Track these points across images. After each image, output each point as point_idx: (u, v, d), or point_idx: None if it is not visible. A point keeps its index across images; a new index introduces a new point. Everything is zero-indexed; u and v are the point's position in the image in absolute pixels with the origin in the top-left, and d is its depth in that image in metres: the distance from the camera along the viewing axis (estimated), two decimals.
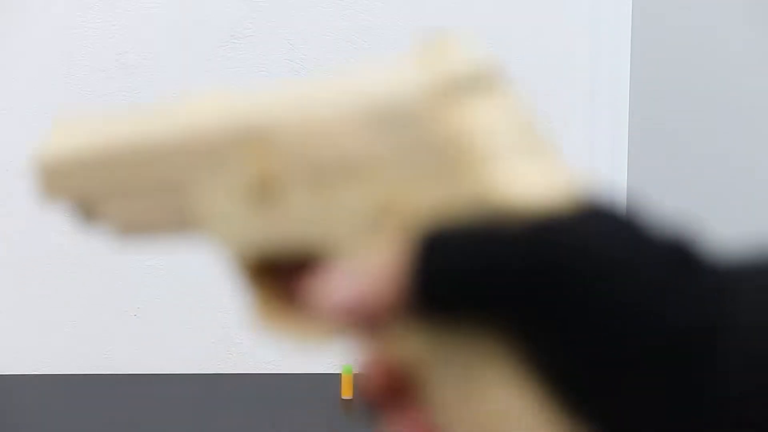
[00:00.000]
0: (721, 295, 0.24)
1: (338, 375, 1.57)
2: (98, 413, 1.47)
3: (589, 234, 0.25)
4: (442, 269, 0.26)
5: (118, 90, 1.72)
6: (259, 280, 0.34)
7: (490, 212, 0.26)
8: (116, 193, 0.35)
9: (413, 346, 0.28)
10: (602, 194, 0.27)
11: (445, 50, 0.27)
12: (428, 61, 0.27)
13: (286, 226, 0.31)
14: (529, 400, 0.26)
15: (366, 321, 0.29)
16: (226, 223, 0.33)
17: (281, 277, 0.35)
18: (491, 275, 0.25)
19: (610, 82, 1.76)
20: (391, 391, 0.29)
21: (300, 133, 0.29)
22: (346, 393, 1.55)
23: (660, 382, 0.23)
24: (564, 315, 0.24)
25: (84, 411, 1.49)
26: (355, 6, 1.74)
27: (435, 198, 0.27)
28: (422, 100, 0.26)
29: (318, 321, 0.31)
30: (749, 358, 0.23)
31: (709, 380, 0.23)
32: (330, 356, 1.76)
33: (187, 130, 0.32)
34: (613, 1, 1.75)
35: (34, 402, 1.53)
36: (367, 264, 0.29)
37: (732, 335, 0.23)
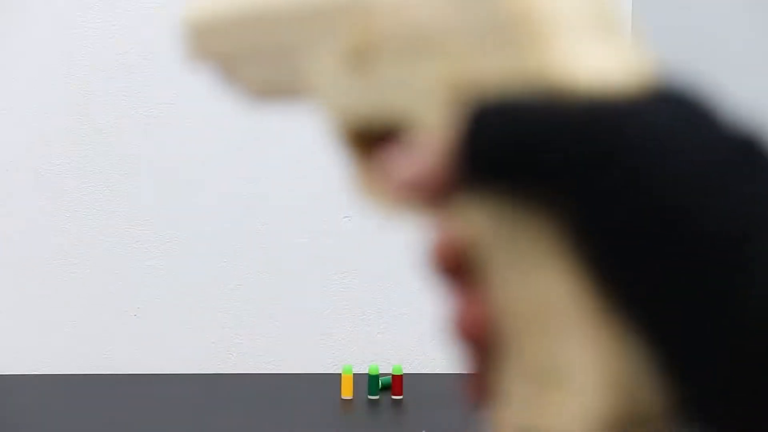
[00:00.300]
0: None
1: (338, 375, 1.57)
2: (98, 413, 1.47)
3: (648, 118, 0.24)
4: (490, 139, 0.26)
5: (118, 90, 1.72)
6: (357, 149, 0.34)
7: (549, 88, 0.25)
8: (247, 55, 0.35)
9: (475, 223, 0.28)
10: (676, 81, 0.26)
11: None
12: None
13: (376, 96, 0.31)
14: (572, 286, 0.25)
15: (426, 195, 0.29)
16: (328, 89, 0.33)
17: (377, 146, 0.35)
18: (540, 147, 0.25)
19: None
20: (454, 266, 0.29)
21: (392, 3, 0.29)
22: (346, 393, 1.55)
23: (691, 279, 0.23)
24: (608, 198, 0.24)
25: (84, 411, 1.49)
26: None
27: (499, 72, 0.27)
28: None
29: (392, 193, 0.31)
30: None
31: (734, 285, 0.23)
32: (330, 356, 1.76)
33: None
34: (613, 1, 1.75)
35: (34, 402, 1.52)
36: (427, 138, 0.29)
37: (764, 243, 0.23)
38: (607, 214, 0.24)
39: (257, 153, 1.74)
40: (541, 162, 0.25)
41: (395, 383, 1.55)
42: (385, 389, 1.59)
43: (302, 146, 1.74)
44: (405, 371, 1.76)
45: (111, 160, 1.72)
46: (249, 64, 0.36)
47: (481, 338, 0.29)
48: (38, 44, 1.71)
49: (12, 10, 1.71)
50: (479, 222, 0.28)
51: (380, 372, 1.75)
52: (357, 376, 1.68)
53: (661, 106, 0.25)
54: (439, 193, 0.29)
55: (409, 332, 1.77)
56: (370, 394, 1.55)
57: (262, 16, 0.34)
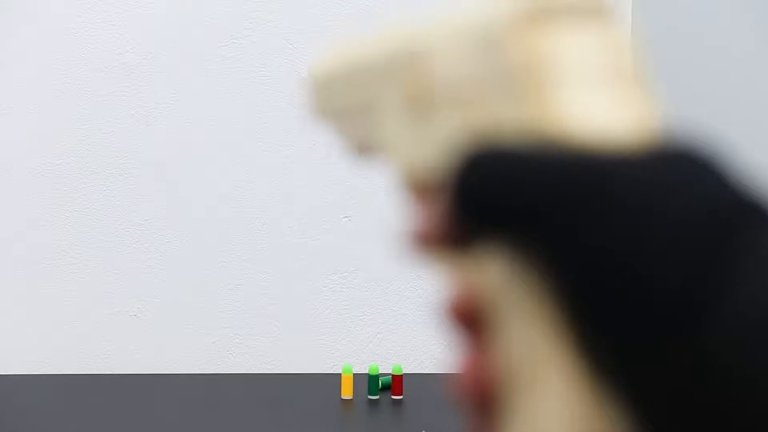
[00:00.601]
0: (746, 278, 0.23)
1: (338, 375, 1.57)
2: (98, 413, 1.47)
3: (631, 173, 0.24)
4: (470, 188, 0.26)
5: (118, 90, 1.72)
6: (419, 200, 0.35)
7: (542, 138, 0.26)
8: (345, 111, 0.36)
9: (487, 276, 0.28)
10: (683, 136, 0.26)
11: None
12: None
13: (424, 147, 0.32)
14: (554, 342, 0.26)
15: (434, 247, 0.29)
16: (392, 142, 0.34)
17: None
18: (513, 196, 0.25)
19: None
20: (468, 319, 0.30)
21: (433, 57, 0.30)
22: (346, 393, 1.55)
23: (645, 341, 0.23)
24: (575, 253, 0.24)
25: (84, 411, 1.49)
26: (356, 6, 1.74)
27: (502, 120, 0.27)
28: (509, 25, 0.27)
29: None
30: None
31: (687, 352, 0.23)
32: (330, 356, 1.76)
33: (375, 52, 0.33)
34: (613, 1, 1.75)
35: (34, 402, 1.52)
36: (435, 190, 0.30)
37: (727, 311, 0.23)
38: (573, 269, 0.24)
39: (257, 153, 1.74)
40: (513, 211, 0.25)
41: (395, 383, 1.55)
42: (385, 389, 1.59)
43: (302, 146, 1.74)
44: (405, 371, 1.76)
45: (111, 160, 1.72)
46: (346, 120, 0.37)
47: (485, 391, 0.29)
48: (38, 44, 1.71)
49: (12, 10, 1.71)
50: (490, 275, 0.28)
51: (380, 372, 1.75)
52: (357, 376, 1.67)
53: (652, 161, 0.25)
54: (446, 244, 0.29)
55: (409, 332, 1.77)
56: (370, 394, 1.55)
57: (348, 71, 0.35)
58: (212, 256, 1.74)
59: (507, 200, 0.25)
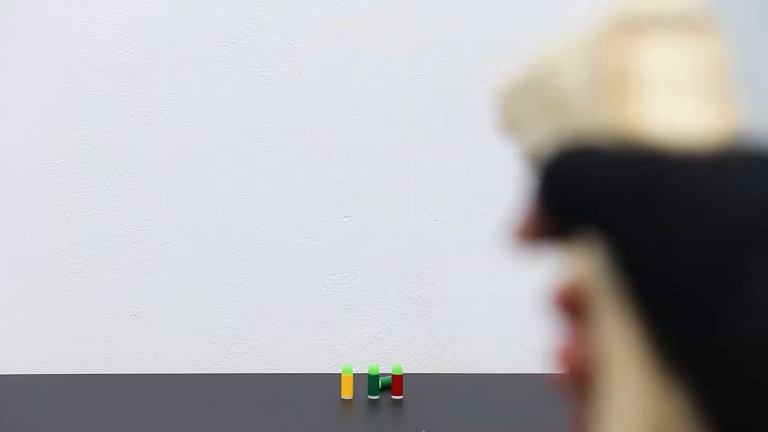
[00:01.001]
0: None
1: (338, 375, 1.57)
2: (98, 413, 1.47)
3: (697, 172, 0.26)
4: (552, 185, 0.28)
5: (118, 90, 1.72)
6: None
7: (624, 137, 0.28)
8: (515, 122, 0.39)
9: (587, 269, 0.30)
10: (755, 143, 0.28)
11: None
12: (625, 2, 0.30)
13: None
14: (627, 332, 0.28)
15: (532, 241, 0.32)
16: (532, 149, 0.37)
17: None
18: (585, 192, 0.27)
19: None
20: (571, 307, 0.31)
21: (556, 72, 0.33)
22: (346, 393, 1.55)
23: (681, 331, 0.25)
24: (635, 247, 0.26)
25: (84, 411, 1.49)
26: (356, 6, 1.74)
27: (594, 122, 0.30)
28: (606, 36, 0.29)
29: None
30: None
31: (715, 337, 0.24)
32: (330, 356, 1.76)
33: (525, 74, 0.36)
34: (613, 1, 1.75)
35: (34, 402, 1.52)
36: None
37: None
38: (623, 263, 0.26)
39: (257, 153, 1.74)
40: (584, 205, 0.27)
41: (395, 383, 1.55)
42: (385, 389, 1.59)
43: (302, 146, 1.74)
44: (405, 371, 1.76)
45: (111, 160, 1.72)
46: (518, 130, 0.40)
47: (583, 375, 0.31)
48: (38, 44, 1.71)
49: (12, 10, 1.71)
50: (586, 267, 0.30)
51: (380, 372, 1.75)
52: (357, 376, 1.67)
53: (717, 163, 0.26)
54: (542, 238, 0.31)
55: (409, 332, 1.77)
56: (370, 394, 1.55)
57: (516, 90, 0.38)
58: (212, 256, 1.74)
59: (580, 195, 0.27)
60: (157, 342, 1.73)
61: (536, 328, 1.78)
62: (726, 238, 0.25)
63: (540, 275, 1.77)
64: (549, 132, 0.34)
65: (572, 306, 0.31)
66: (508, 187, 1.77)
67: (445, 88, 1.75)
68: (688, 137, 0.28)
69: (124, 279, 1.73)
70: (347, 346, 1.76)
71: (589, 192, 0.27)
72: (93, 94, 1.72)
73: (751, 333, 0.23)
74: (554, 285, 0.32)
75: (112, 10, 1.72)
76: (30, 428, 1.39)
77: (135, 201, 1.73)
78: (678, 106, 0.29)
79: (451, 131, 1.76)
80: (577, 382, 0.31)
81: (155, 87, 1.72)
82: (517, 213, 0.35)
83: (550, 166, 0.29)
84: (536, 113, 0.36)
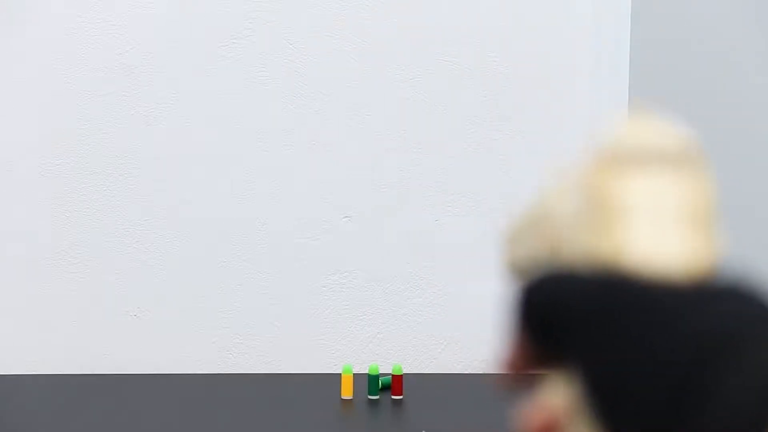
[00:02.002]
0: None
1: (338, 375, 1.57)
2: (98, 413, 1.47)
3: (673, 301, 0.27)
4: (527, 310, 0.30)
5: (118, 90, 1.72)
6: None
7: (602, 266, 0.29)
8: (517, 261, 0.40)
9: (561, 396, 0.31)
10: (737, 275, 0.29)
11: (632, 127, 0.32)
12: (613, 136, 0.32)
13: None
14: None
15: (516, 371, 0.33)
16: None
17: None
18: (559, 318, 0.28)
19: (609, 83, 1.76)
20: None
21: (553, 208, 0.35)
22: (346, 393, 1.55)
23: None
24: (604, 374, 0.27)
25: (84, 411, 1.49)
26: (355, 6, 1.74)
27: (577, 250, 0.31)
28: (594, 167, 0.31)
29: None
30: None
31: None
32: (330, 356, 1.76)
33: (528, 216, 0.38)
34: (613, 1, 1.75)
35: (34, 402, 1.52)
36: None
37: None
38: (597, 386, 0.27)
39: (257, 153, 1.74)
40: (558, 329, 0.28)
41: (395, 383, 1.55)
42: (385, 389, 1.59)
43: (302, 146, 1.74)
44: (405, 371, 1.76)
45: (111, 160, 1.72)
46: (521, 269, 0.41)
47: None
48: (38, 44, 1.71)
49: (12, 10, 1.71)
50: (561, 395, 0.31)
51: (380, 372, 1.75)
52: (357, 376, 1.67)
53: (687, 293, 0.28)
54: (528, 367, 0.32)
55: (409, 332, 1.77)
56: (370, 394, 1.55)
57: (519, 231, 0.40)
58: (212, 256, 1.74)
59: (553, 319, 0.28)
60: (157, 342, 1.73)
61: None
62: (688, 361, 0.26)
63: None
64: (536, 261, 0.36)
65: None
66: (508, 187, 1.77)
67: (445, 88, 1.75)
68: (666, 267, 0.29)
69: (124, 279, 1.73)
70: (347, 346, 1.76)
71: (562, 316, 0.28)
72: (93, 94, 1.72)
73: None
74: (529, 413, 0.32)
75: (112, 10, 1.72)
76: (30, 428, 1.39)
77: (135, 201, 1.73)
78: (659, 236, 0.30)
79: (451, 131, 1.76)
80: None
81: (155, 87, 1.72)
82: (504, 345, 0.36)
83: (527, 291, 0.30)
84: (533, 248, 0.37)
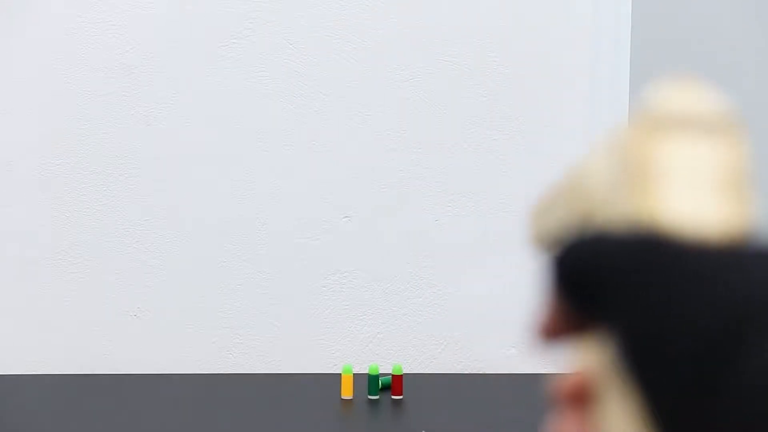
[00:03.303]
0: None
1: (338, 375, 1.57)
2: (98, 413, 1.47)
3: (708, 264, 0.27)
4: (566, 272, 0.30)
5: (118, 90, 1.72)
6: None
7: (638, 228, 0.29)
8: (546, 234, 0.41)
9: (595, 360, 0.31)
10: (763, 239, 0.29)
11: (670, 92, 0.32)
12: (651, 101, 0.32)
13: None
14: (632, 422, 0.29)
15: (554, 337, 0.33)
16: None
17: None
18: (596, 279, 0.28)
19: (609, 83, 1.76)
20: (576, 396, 0.32)
21: (589, 175, 0.35)
22: (346, 393, 1.55)
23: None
24: (639, 334, 0.27)
25: (84, 411, 1.49)
26: (355, 6, 1.74)
27: (613, 213, 0.32)
28: (632, 132, 0.32)
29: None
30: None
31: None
32: (330, 356, 1.76)
33: (562, 186, 0.39)
34: (613, 1, 1.75)
35: (34, 402, 1.53)
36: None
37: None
38: (633, 348, 0.27)
39: (257, 153, 1.74)
40: (594, 292, 0.28)
41: (395, 383, 1.55)
42: (385, 389, 1.59)
43: (302, 146, 1.74)
44: (405, 371, 1.76)
45: (111, 160, 1.72)
46: (548, 241, 0.41)
47: None
48: (38, 44, 1.71)
49: (12, 10, 1.71)
50: (596, 357, 0.31)
51: (380, 372, 1.75)
52: (357, 376, 1.67)
53: (722, 254, 0.28)
54: (564, 332, 0.32)
55: (409, 332, 1.77)
56: (370, 394, 1.55)
57: (550, 203, 0.40)
58: (212, 256, 1.74)
59: (589, 282, 0.29)
60: (157, 342, 1.73)
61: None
62: (722, 326, 0.26)
63: (539, 275, 1.77)
64: (569, 224, 0.36)
65: (578, 397, 0.32)
66: (508, 187, 1.77)
67: (445, 88, 1.75)
68: (702, 230, 0.29)
69: (124, 279, 1.73)
70: (347, 346, 1.76)
71: (597, 278, 0.28)
72: (93, 94, 1.72)
73: (747, 411, 0.25)
74: (562, 379, 0.32)
75: (113, 10, 1.72)
76: (30, 428, 1.39)
77: (135, 201, 1.73)
78: (694, 200, 0.30)
79: (451, 131, 1.76)
80: None
81: (155, 87, 1.72)
82: (537, 311, 0.36)
83: (562, 254, 0.30)
84: (565, 217, 0.38)
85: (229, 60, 1.73)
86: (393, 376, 1.55)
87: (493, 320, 1.77)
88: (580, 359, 0.32)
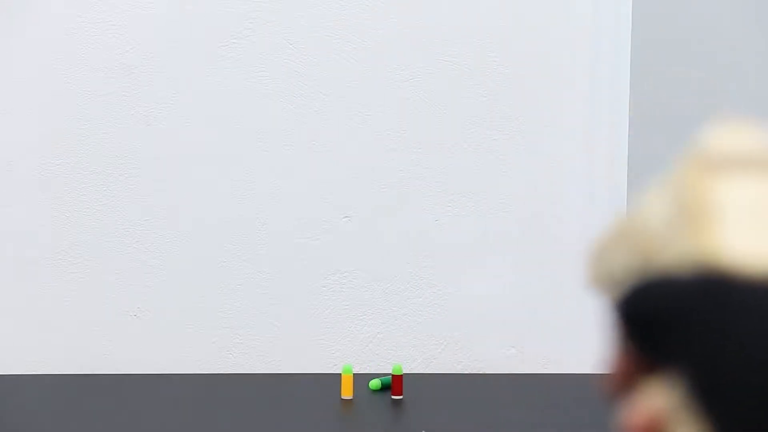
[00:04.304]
0: None
1: (338, 375, 1.57)
2: (98, 413, 1.47)
3: (744, 300, 0.28)
4: (632, 316, 0.30)
5: (118, 90, 1.72)
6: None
7: (701, 268, 0.29)
8: (604, 276, 0.40)
9: (664, 401, 0.32)
10: None
11: (723, 132, 0.33)
12: (708, 141, 0.33)
13: None
14: None
15: (622, 384, 0.33)
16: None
17: None
18: (662, 324, 0.29)
19: (609, 83, 1.76)
20: None
21: (647, 215, 0.35)
22: (346, 393, 1.55)
23: None
24: (711, 380, 0.28)
25: (84, 411, 1.49)
26: (355, 6, 1.74)
27: (673, 253, 0.32)
28: (689, 170, 0.32)
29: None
30: None
31: None
32: (330, 356, 1.76)
33: (619, 227, 0.39)
34: (614, 1, 1.75)
35: (34, 402, 1.53)
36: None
37: None
38: (704, 388, 0.28)
39: (257, 153, 1.74)
40: (660, 335, 0.29)
41: (395, 383, 1.55)
42: (385, 389, 1.59)
43: (302, 146, 1.74)
44: (405, 371, 1.76)
45: (110, 160, 1.72)
46: (607, 284, 0.41)
47: None
48: (38, 44, 1.71)
49: (12, 10, 1.71)
50: (668, 398, 0.31)
51: (380, 372, 1.75)
52: (357, 376, 1.68)
53: None
54: (634, 377, 0.32)
55: (409, 332, 1.77)
56: (373, 388, 1.55)
57: (608, 243, 0.40)
58: (212, 256, 1.74)
59: (655, 325, 0.29)
60: (157, 342, 1.73)
61: (536, 328, 1.78)
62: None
63: (539, 275, 1.77)
64: (631, 270, 0.36)
65: None
66: (508, 187, 1.77)
67: (445, 88, 1.75)
68: (763, 267, 0.29)
69: (124, 279, 1.73)
70: (347, 346, 1.76)
71: (664, 320, 0.29)
72: (93, 94, 1.72)
73: None
74: (630, 417, 0.33)
75: (112, 10, 1.72)
76: (30, 428, 1.39)
77: (135, 201, 1.73)
78: (754, 237, 0.30)
79: (451, 131, 1.76)
80: None
81: (155, 87, 1.72)
82: (607, 362, 0.36)
83: (627, 298, 0.30)
84: (625, 258, 0.37)
85: (229, 60, 1.73)
86: (393, 376, 1.55)
87: (493, 320, 1.77)
88: (649, 398, 0.33)
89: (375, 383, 1.58)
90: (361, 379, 1.64)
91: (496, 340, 1.77)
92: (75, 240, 1.72)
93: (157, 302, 1.73)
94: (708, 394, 0.27)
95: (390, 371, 1.58)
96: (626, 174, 1.76)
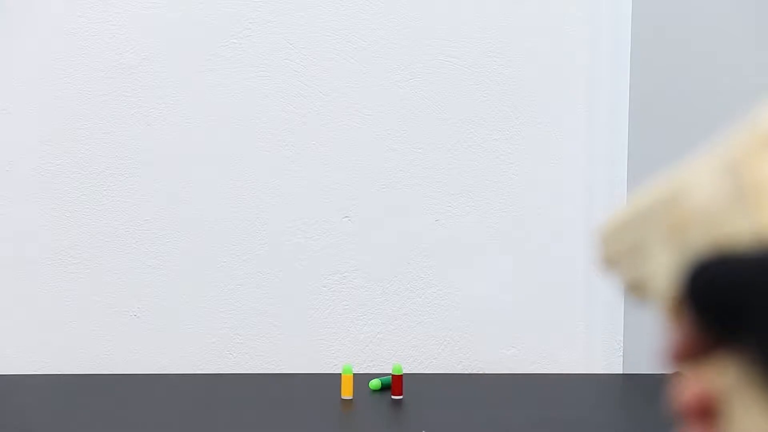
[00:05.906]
0: None
1: (338, 375, 1.57)
2: (98, 413, 1.47)
3: None
4: (700, 292, 0.30)
5: (118, 90, 1.72)
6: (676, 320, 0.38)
7: (762, 246, 0.30)
8: (621, 255, 0.41)
9: (723, 376, 0.32)
10: None
11: None
12: (761, 120, 0.33)
13: (678, 268, 0.36)
14: None
15: (686, 360, 0.33)
16: (655, 272, 0.38)
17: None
18: (734, 299, 0.29)
19: (609, 83, 1.76)
20: (700, 411, 0.32)
21: (689, 190, 0.35)
22: (346, 393, 1.55)
23: None
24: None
25: (84, 411, 1.49)
26: (355, 6, 1.74)
27: (733, 232, 0.32)
28: (745, 150, 0.32)
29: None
30: None
31: None
32: (330, 356, 1.76)
33: (645, 201, 0.38)
34: (614, 1, 1.75)
35: (34, 402, 1.53)
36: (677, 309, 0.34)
37: None
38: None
39: (257, 153, 1.74)
40: (731, 310, 0.29)
41: (395, 383, 1.55)
42: (385, 389, 1.59)
43: (302, 146, 1.74)
44: (405, 371, 1.76)
45: (111, 160, 1.72)
46: (624, 263, 0.41)
47: None
48: (38, 45, 1.71)
49: (12, 10, 1.71)
50: (726, 375, 0.32)
51: (380, 372, 1.75)
52: (357, 376, 1.68)
53: None
54: (696, 354, 0.32)
55: (409, 332, 1.77)
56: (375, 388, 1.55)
57: (629, 220, 0.40)
58: (212, 256, 1.74)
59: (727, 301, 0.29)
60: (157, 342, 1.73)
61: (536, 328, 1.78)
62: None
63: (539, 275, 1.77)
64: (679, 253, 0.36)
65: (704, 412, 0.32)
66: (508, 187, 1.77)
67: (445, 88, 1.75)
68: None
69: (124, 279, 1.73)
70: (347, 346, 1.76)
71: (734, 296, 0.29)
72: (93, 95, 1.72)
73: None
74: (684, 392, 0.33)
75: (112, 10, 1.72)
76: (30, 428, 1.39)
77: (135, 201, 1.73)
78: None
79: (451, 131, 1.76)
80: None
81: (155, 87, 1.72)
82: (666, 338, 0.36)
83: (694, 277, 0.30)
84: (659, 238, 0.37)
85: (229, 60, 1.73)
86: (393, 376, 1.55)
87: (493, 320, 1.77)
88: (708, 374, 0.32)
89: (375, 383, 1.58)
90: (361, 379, 1.64)
91: (496, 340, 1.77)
92: (75, 240, 1.72)
93: (157, 302, 1.73)
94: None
95: (390, 371, 1.58)
96: (626, 173, 1.76)
